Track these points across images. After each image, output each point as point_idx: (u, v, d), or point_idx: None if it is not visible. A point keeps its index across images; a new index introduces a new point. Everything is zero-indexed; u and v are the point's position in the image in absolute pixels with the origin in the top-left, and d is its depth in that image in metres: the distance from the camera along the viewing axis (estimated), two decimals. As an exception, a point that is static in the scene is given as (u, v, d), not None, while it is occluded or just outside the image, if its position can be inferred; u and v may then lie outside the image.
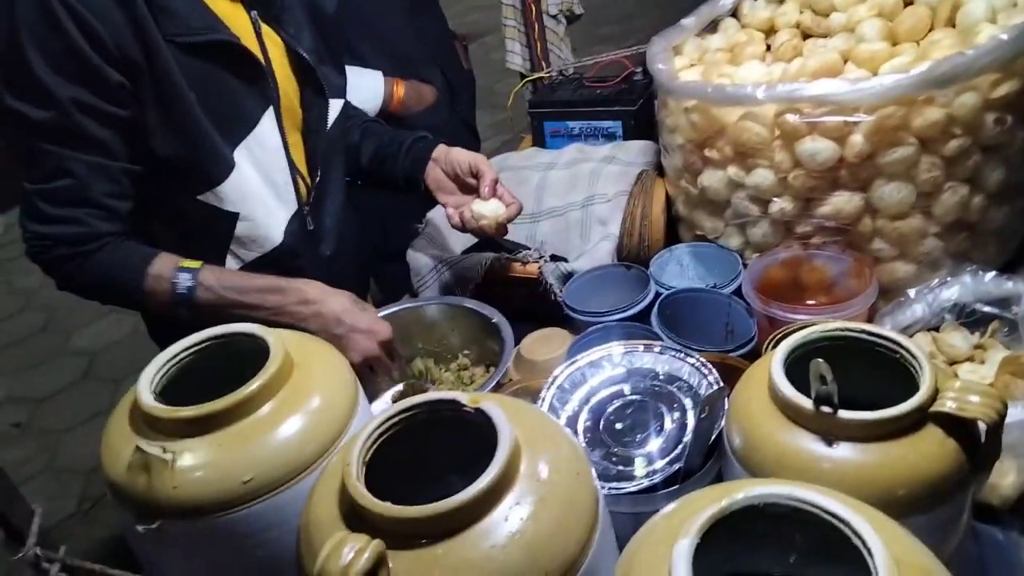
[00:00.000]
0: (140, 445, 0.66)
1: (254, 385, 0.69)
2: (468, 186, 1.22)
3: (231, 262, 1.13)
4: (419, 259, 1.38)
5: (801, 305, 0.99)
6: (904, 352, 0.62)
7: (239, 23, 1.06)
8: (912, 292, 0.98)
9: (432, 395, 0.64)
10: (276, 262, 1.14)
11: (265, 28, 1.10)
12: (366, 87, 1.70)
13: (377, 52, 1.72)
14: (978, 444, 0.59)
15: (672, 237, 1.28)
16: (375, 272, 1.70)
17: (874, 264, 1.01)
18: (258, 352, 0.73)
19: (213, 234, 1.11)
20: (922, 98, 0.94)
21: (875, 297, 0.95)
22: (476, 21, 5.05)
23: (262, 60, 1.08)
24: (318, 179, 1.20)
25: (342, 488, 0.57)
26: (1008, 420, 0.72)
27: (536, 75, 1.77)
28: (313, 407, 0.72)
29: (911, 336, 0.96)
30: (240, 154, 1.07)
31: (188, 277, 1.01)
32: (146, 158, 1.02)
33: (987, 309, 0.96)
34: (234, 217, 1.09)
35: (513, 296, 1.25)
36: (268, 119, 1.10)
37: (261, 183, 1.11)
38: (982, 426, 0.59)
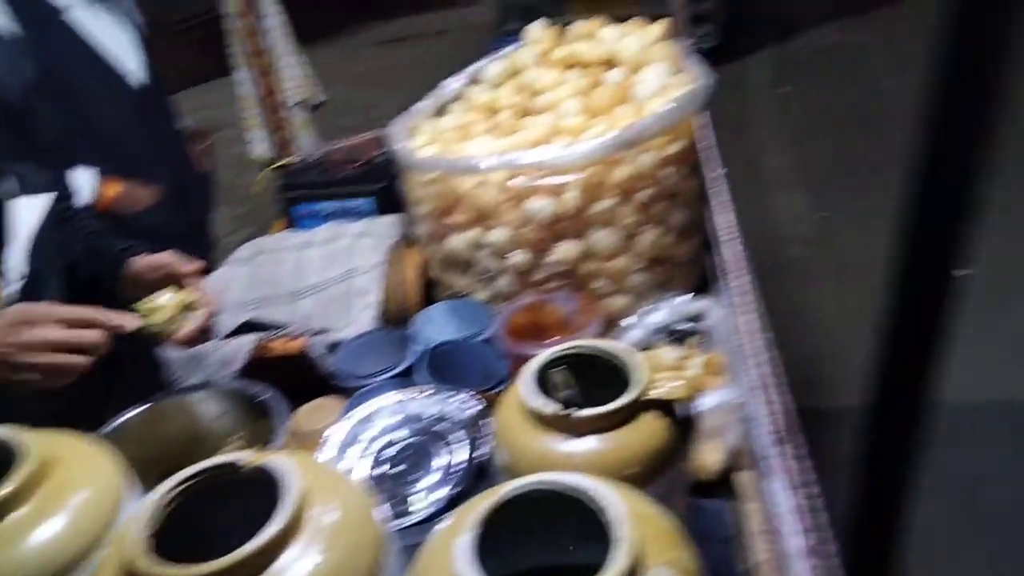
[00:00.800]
0: None
1: (4, 491, 0.65)
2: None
3: None
4: (171, 351, 1.34)
5: (544, 342, 1.13)
6: (619, 357, 0.76)
7: None
8: (628, 320, 1.17)
9: (209, 461, 0.65)
10: None
11: None
12: (73, 186, 1.62)
13: (94, 151, 1.65)
14: (682, 421, 0.73)
15: (430, 298, 1.38)
16: (119, 372, 1.59)
17: (597, 300, 1.18)
18: (10, 456, 0.68)
19: None
20: (615, 158, 1.15)
21: (600, 328, 1.11)
22: (210, 117, 4.96)
23: None
24: (25, 279, 1.12)
25: (125, 567, 0.56)
26: (709, 407, 0.90)
27: (283, 161, 1.81)
28: (78, 502, 0.68)
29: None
30: None
31: None
32: None
33: (686, 326, 1.17)
34: None
35: (282, 374, 1.25)
36: None
37: None
38: (685, 407, 0.74)
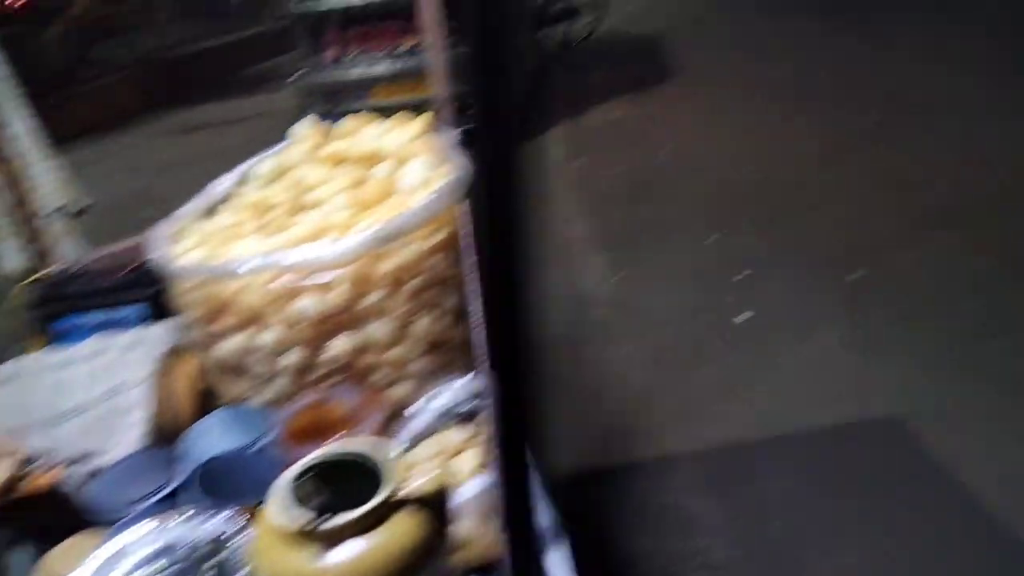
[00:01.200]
0: None
1: None
2: None
3: None
4: None
5: (327, 442, 1.10)
6: (370, 458, 0.75)
7: None
8: (414, 407, 1.17)
9: None
10: None
11: None
12: None
13: None
14: (441, 511, 0.74)
15: (208, 407, 1.30)
16: None
17: (380, 391, 1.18)
18: None
19: None
20: (381, 251, 1.16)
21: (383, 420, 1.10)
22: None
23: None
24: None
25: None
26: (483, 488, 0.91)
27: (38, 274, 1.66)
28: None
29: (421, 442, 1.14)
30: None
31: None
32: None
33: (471, 405, 1.19)
34: None
35: (33, 514, 1.12)
36: None
37: None
38: (445, 496, 0.75)
